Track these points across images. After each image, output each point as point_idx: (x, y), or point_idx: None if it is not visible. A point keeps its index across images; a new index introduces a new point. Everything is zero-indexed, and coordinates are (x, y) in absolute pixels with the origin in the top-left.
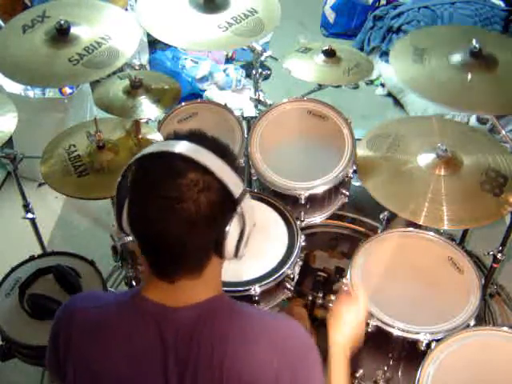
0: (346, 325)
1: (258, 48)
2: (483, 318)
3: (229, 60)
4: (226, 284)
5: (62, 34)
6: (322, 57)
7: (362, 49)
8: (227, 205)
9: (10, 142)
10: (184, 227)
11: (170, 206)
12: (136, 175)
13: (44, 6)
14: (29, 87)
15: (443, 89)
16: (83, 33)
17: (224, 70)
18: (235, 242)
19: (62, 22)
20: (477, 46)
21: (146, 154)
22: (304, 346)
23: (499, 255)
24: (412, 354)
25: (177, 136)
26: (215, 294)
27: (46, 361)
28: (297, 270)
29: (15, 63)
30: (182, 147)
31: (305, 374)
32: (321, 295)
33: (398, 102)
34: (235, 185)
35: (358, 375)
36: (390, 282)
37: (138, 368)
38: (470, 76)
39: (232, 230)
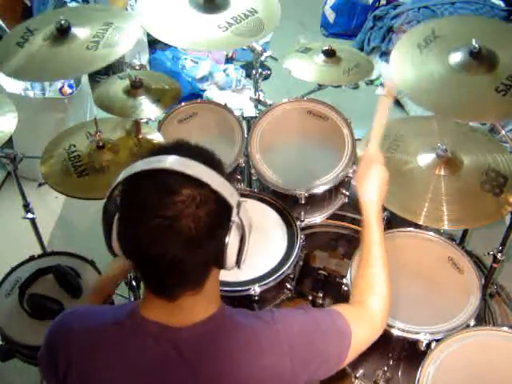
0: (372, 181)
1: (258, 48)
2: (483, 318)
3: (229, 60)
4: (226, 284)
5: (62, 34)
6: (321, 57)
7: (362, 49)
8: (225, 215)
9: (10, 142)
10: (184, 246)
11: (168, 226)
12: (127, 195)
13: (26, 24)
14: (29, 87)
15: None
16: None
17: (224, 70)
18: (236, 251)
19: (63, 21)
20: (476, 45)
21: (135, 172)
22: (305, 332)
23: (499, 255)
24: (412, 354)
25: (161, 150)
26: (216, 310)
27: (40, 371)
28: (297, 269)
29: (23, 66)
30: (172, 162)
31: (317, 350)
32: (321, 295)
33: (398, 102)
34: (231, 195)
35: (358, 375)
36: (390, 282)
37: None
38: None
39: (232, 239)
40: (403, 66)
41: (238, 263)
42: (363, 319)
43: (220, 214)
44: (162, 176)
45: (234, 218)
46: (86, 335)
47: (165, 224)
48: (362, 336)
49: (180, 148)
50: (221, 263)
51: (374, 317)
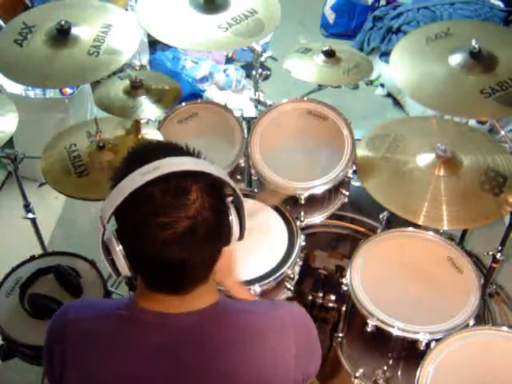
0: None
1: (258, 48)
2: (483, 317)
3: (229, 60)
4: None
5: (62, 35)
6: (321, 57)
7: (361, 49)
8: (223, 195)
9: (10, 142)
10: (208, 241)
11: (192, 227)
12: (137, 208)
13: (22, 18)
14: (29, 87)
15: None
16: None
17: (224, 71)
18: (238, 224)
19: (63, 22)
20: (476, 46)
21: (137, 186)
22: (308, 322)
23: (498, 255)
24: (412, 353)
25: (143, 157)
26: (216, 299)
27: (43, 374)
28: (297, 269)
29: (25, 73)
30: (171, 164)
31: (314, 343)
32: (321, 295)
33: (397, 102)
34: (225, 174)
35: (357, 374)
36: (390, 282)
37: (140, 376)
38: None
39: (233, 215)
40: (406, 52)
41: (241, 235)
42: None
43: (222, 195)
44: (170, 180)
45: (231, 192)
46: (81, 325)
47: (188, 225)
48: None
49: (159, 149)
50: (228, 242)
51: None
